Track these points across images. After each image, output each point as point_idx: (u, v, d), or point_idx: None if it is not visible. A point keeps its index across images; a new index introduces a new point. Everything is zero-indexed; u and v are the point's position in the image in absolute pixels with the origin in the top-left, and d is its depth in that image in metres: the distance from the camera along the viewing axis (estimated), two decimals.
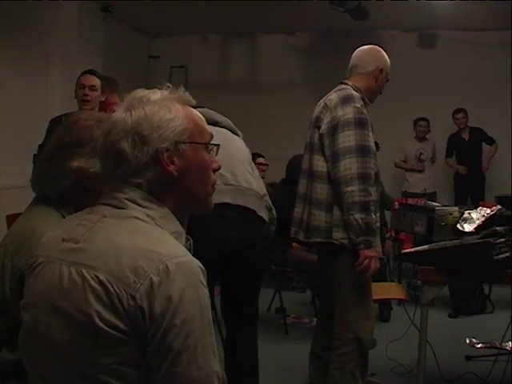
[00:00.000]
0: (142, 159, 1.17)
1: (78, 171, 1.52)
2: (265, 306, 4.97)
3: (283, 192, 4.51)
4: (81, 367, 1.08)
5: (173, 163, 1.19)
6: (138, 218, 1.16)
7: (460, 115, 6.67)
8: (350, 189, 2.48)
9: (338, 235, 2.56)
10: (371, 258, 2.51)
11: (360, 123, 2.54)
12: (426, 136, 6.85)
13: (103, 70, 6.25)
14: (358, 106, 2.58)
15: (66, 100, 5.43)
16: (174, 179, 1.20)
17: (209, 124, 1.33)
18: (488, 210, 2.86)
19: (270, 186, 4.83)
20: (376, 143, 2.65)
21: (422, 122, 6.76)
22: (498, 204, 2.91)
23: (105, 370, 1.07)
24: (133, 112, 1.19)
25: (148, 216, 1.17)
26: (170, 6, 6.07)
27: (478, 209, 2.93)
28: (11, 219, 3.11)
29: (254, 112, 7.24)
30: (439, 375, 3.29)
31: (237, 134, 2.74)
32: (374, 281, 4.10)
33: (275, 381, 3.41)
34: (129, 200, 1.18)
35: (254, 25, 7.18)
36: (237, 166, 2.58)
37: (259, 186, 2.66)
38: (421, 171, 6.80)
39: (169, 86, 1.26)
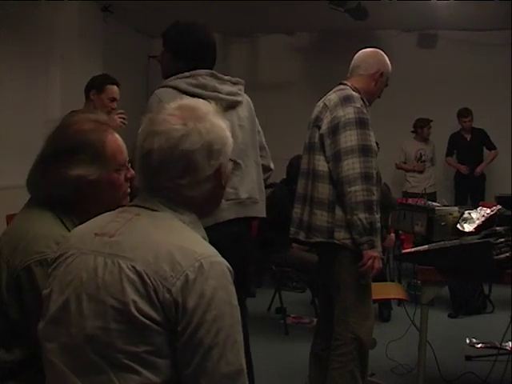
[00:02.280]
0: (208, 172, 1.25)
1: (76, 179, 1.49)
2: (265, 306, 4.97)
3: (283, 192, 4.52)
4: (111, 354, 1.12)
5: (224, 178, 1.30)
6: (172, 220, 1.23)
7: (468, 119, 6.60)
8: (353, 188, 2.48)
9: (340, 235, 2.56)
10: (375, 258, 2.51)
11: (361, 123, 2.54)
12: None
13: (103, 70, 6.28)
14: (358, 105, 2.58)
15: (65, 100, 5.44)
16: (217, 192, 1.31)
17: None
18: (488, 210, 2.87)
19: (270, 186, 4.83)
20: (376, 143, 2.65)
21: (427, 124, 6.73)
22: (498, 204, 2.91)
23: (135, 357, 1.11)
24: (205, 125, 1.25)
25: (180, 220, 1.24)
26: (170, 6, 6.07)
27: (478, 209, 2.93)
28: (11, 219, 3.11)
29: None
30: (439, 375, 3.29)
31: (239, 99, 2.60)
32: (374, 281, 4.10)
33: (275, 381, 3.41)
34: (163, 204, 1.25)
35: (254, 25, 7.18)
36: (237, 176, 2.50)
37: (258, 175, 2.59)
38: (421, 172, 6.79)
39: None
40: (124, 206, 1.45)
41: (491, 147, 6.73)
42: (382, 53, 2.79)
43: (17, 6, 4.98)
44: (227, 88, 2.54)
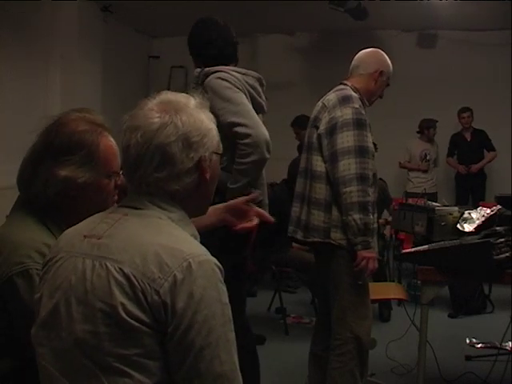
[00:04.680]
0: (187, 165, 1.22)
1: (64, 181, 1.45)
2: (265, 306, 4.97)
3: (284, 192, 4.52)
4: (101, 358, 1.11)
5: (207, 171, 1.26)
6: (159, 218, 1.21)
7: (466, 114, 6.65)
8: (348, 189, 2.49)
9: (337, 236, 2.56)
10: (369, 259, 2.51)
11: (358, 124, 2.54)
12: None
13: (103, 70, 6.29)
14: (357, 106, 2.57)
15: (65, 100, 5.44)
16: (203, 186, 1.27)
17: None
18: (488, 210, 2.86)
19: (270, 186, 4.83)
20: (374, 144, 2.65)
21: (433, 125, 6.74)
22: (498, 204, 2.91)
23: (126, 360, 1.10)
24: (182, 117, 1.22)
25: (169, 218, 1.22)
26: (170, 6, 6.07)
27: (478, 209, 2.93)
28: None
29: None
30: (439, 375, 3.28)
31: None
32: (374, 281, 4.09)
33: (275, 381, 3.41)
34: (150, 202, 1.23)
35: (254, 25, 7.17)
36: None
37: None
38: (426, 171, 6.78)
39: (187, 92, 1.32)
40: None
41: (490, 149, 6.74)
42: (382, 52, 2.79)
43: (17, 6, 4.99)
44: (263, 96, 2.62)
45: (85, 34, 5.89)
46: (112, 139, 1.54)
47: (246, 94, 2.46)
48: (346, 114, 2.55)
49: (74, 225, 1.30)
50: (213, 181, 1.30)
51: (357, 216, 2.48)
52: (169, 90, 1.32)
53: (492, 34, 6.78)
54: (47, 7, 5.43)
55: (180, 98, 1.27)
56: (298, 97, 7.09)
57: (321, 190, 2.62)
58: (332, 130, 2.57)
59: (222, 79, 2.42)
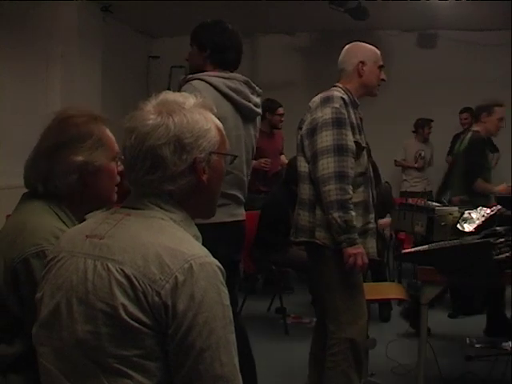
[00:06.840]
0: (180, 167, 1.21)
1: (82, 165, 1.51)
2: (265, 306, 4.97)
3: (282, 192, 4.52)
4: (102, 358, 1.11)
5: (204, 172, 1.24)
6: (161, 219, 1.20)
7: (463, 115, 6.65)
8: (327, 188, 2.50)
9: (321, 235, 2.58)
10: (356, 255, 2.50)
11: (337, 123, 2.55)
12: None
13: (103, 70, 6.29)
14: (337, 106, 2.58)
15: (65, 100, 5.44)
16: (202, 187, 1.25)
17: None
18: (488, 210, 2.87)
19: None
20: (366, 144, 2.65)
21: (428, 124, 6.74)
22: (498, 204, 2.91)
23: (126, 361, 1.10)
24: (174, 118, 1.20)
25: (171, 219, 1.21)
26: (169, 6, 6.08)
27: (478, 209, 2.93)
28: None
29: None
30: (439, 375, 3.28)
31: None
32: (373, 281, 4.08)
33: (275, 381, 3.41)
34: (152, 203, 1.22)
35: (254, 25, 7.18)
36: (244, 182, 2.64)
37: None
38: (420, 170, 6.79)
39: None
40: (113, 202, 1.48)
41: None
42: (356, 43, 2.79)
43: (17, 6, 4.99)
44: (255, 99, 2.60)
45: (85, 33, 5.89)
46: (107, 128, 1.61)
47: (217, 99, 2.41)
48: (325, 113, 2.57)
49: (83, 214, 1.32)
50: (215, 182, 1.28)
51: (336, 214, 2.49)
52: (169, 90, 1.31)
53: (492, 34, 6.78)
54: (47, 7, 5.43)
55: (178, 98, 1.26)
56: (298, 97, 7.06)
57: (304, 191, 2.65)
58: (313, 130, 2.60)
59: (191, 85, 2.41)
